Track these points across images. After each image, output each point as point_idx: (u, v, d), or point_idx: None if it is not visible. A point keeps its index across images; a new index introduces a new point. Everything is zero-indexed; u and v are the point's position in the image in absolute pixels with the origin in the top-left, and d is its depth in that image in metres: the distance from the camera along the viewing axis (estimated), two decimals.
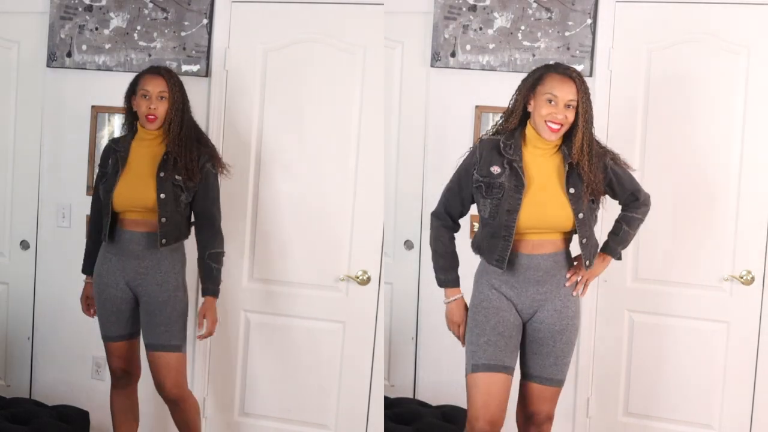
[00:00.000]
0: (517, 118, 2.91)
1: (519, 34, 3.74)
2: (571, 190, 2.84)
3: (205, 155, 3.29)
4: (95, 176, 3.47)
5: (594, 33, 3.66)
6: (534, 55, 3.71)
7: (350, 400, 3.72)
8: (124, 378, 3.43)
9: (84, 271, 3.47)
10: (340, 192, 3.68)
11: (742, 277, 3.53)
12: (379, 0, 3.59)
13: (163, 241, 3.22)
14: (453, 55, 3.85)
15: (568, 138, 2.88)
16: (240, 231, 3.73)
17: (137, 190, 3.23)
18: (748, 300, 3.54)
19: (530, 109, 2.88)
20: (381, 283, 3.67)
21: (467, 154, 2.96)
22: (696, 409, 3.64)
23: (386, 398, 3.75)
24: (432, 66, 3.89)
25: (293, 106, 3.72)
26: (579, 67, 3.65)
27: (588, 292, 3.71)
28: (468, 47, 3.82)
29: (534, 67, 2.96)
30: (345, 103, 3.66)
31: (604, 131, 3.66)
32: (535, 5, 3.72)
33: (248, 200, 3.74)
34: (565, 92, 2.81)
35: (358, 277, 3.66)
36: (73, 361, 3.97)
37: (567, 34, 3.68)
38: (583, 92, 2.83)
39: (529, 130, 2.90)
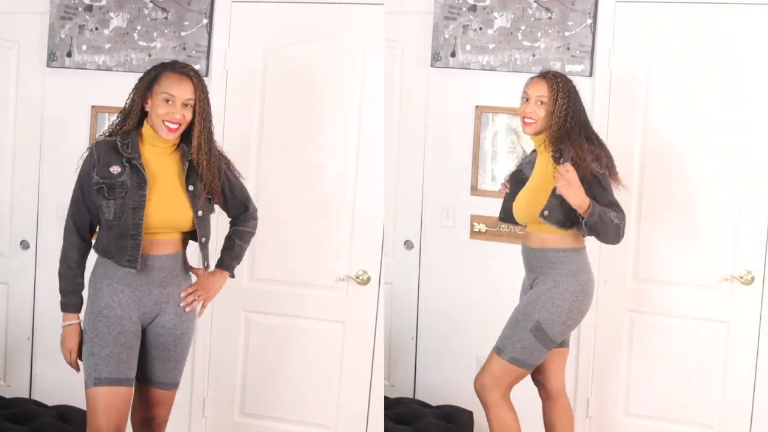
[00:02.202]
0: (136, 118, 2.84)
1: (519, 34, 3.74)
2: (190, 188, 2.85)
3: (593, 154, 3.02)
4: (81, 184, 2.85)
5: (594, 33, 3.66)
6: (534, 55, 3.71)
7: (350, 400, 3.72)
8: (539, 390, 3.24)
9: (69, 308, 2.95)
10: (340, 192, 3.68)
11: (742, 277, 3.53)
12: (379, 0, 3.59)
13: (206, 264, 2.92)
14: (453, 55, 3.85)
15: (186, 136, 2.86)
16: None
17: (172, 209, 2.82)
18: (748, 300, 3.54)
19: (147, 108, 2.82)
20: (381, 283, 3.67)
21: (83, 159, 2.83)
22: (696, 409, 3.64)
23: (386, 398, 3.75)
24: (432, 66, 3.90)
25: (293, 106, 3.72)
26: (579, 67, 3.66)
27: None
28: (468, 47, 3.82)
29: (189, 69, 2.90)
30: (345, 103, 3.66)
31: (604, 131, 3.67)
32: (535, 5, 3.72)
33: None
34: (182, 91, 2.80)
35: (358, 277, 3.66)
36: None
37: (567, 34, 3.68)
38: (201, 90, 2.85)
39: (146, 129, 2.84)
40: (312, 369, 3.76)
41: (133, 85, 2.88)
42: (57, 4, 3.92)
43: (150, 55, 3.83)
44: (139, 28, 3.85)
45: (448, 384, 3.91)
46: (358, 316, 3.69)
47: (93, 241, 2.94)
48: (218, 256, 3.05)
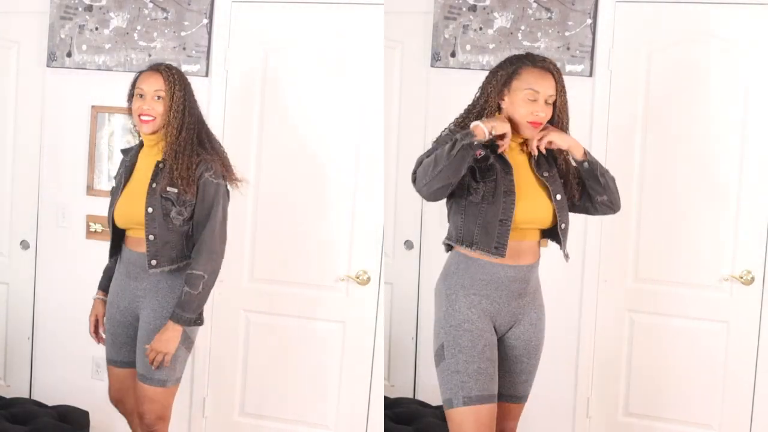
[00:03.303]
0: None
1: (519, 34, 3.74)
2: (153, 185, 2.87)
3: (205, 163, 2.87)
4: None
5: (594, 33, 3.66)
6: None
7: (350, 400, 3.72)
8: (123, 412, 3.11)
9: (99, 286, 3.15)
10: (340, 192, 3.68)
11: (742, 277, 3.53)
12: (379, 0, 3.59)
13: (152, 262, 2.84)
14: (453, 55, 3.85)
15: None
16: (240, 231, 3.73)
17: (131, 205, 2.89)
18: (748, 300, 3.54)
19: (502, 102, 2.66)
20: (381, 283, 3.67)
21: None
22: (696, 409, 3.64)
23: (386, 398, 3.75)
24: (432, 66, 3.90)
25: (293, 106, 3.72)
26: (579, 68, 3.66)
27: (588, 292, 3.74)
28: (468, 47, 3.82)
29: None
30: (345, 102, 3.66)
31: (604, 132, 3.67)
32: (535, 5, 3.72)
33: (248, 200, 3.74)
34: (150, 84, 2.88)
35: (358, 277, 3.66)
36: (73, 361, 3.97)
37: (567, 34, 3.68)
38: (172, 84, 2.88)
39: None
40: (312, 369, 3.76)
41: (129, 85, 2.98)
42: (57, 4, 3.92)
43: (150, 55, 3.82)
44: (139, 28, 3.85)
45: None
46: (358, 316, 3.69)
47: None
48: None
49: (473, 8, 3.80)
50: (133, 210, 2.89)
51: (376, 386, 3.68)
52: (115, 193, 2.99)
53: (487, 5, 3.78)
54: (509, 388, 2.75)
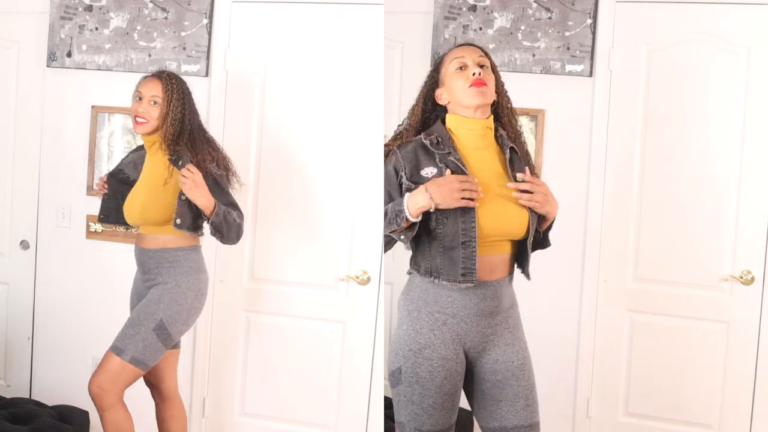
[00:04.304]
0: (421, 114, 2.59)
1: (519, 34, 3.74)
2: (164, 184, 2.99)
3: (210, 156, 3.03)
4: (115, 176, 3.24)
5: (594, 33, 3.66)
6: (534, 55, 3.71)
7: (350, 400, 3.72)
8: (151, 391, 3.29)
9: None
10: (340, 192, 3.68)
11: (742, 277, 3.53)
12: (379, 0, 3.59)
13: (178, 221, 2.95)
14: None
15: (496, 120, 2.56)
16: None
17: (147, 204, 3.05)
18: (748, 300, 3.54)
19: (441, 99, 2.53)
20: (381, 283, 3.67)
21: (386, 164, 2.49)
22: (696, 409, 3.64)
23: (386, 398, 3.75)
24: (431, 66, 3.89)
25: (293, 106, 3.72)
26: (579, 68, 3.66)
27: (588, 292, 3.74)
28: None
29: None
30: (345, 102, 3.66)
31: (604, 132, 3.67)
32: (535, 5, 3.72)
33: (248, 200, 3.74)
34: (148, 88, 3.02)
35: (358, 277, 3.66)
36: (73, 361, 3.97)
37: (567, 34, 3.68)
38: (170, 89, 3.03)
39: (450, 119, 2.52)
40: (312, 369, 3.76)
41: (132, 85, 3.09)
42: (57, 4, 3.92)
43: (150, 55, 3.83)
44: (139, 28, 3.85)
45: None
46: (358, 316, 3.69)
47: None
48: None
49: (473, 8, 3.80)
50: (150, 209, 3.02)
51: (376, 386, 3.68)
52: (117, 185, 3.18)
53: (487, 5, 3.78)
54: (511, 418, 2.44)
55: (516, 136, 2.57)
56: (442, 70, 2.53)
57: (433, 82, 2.56)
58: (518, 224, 2.41)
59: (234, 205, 3.04)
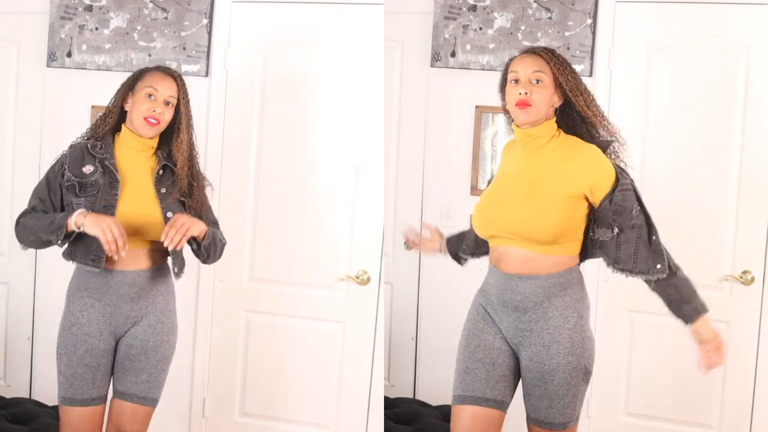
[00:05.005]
0: (114, 119, 2.74)
1: (519, 34, 3.74)
2: (162, 190, 2.71)
3: (203, 179, 2.87)
4: (48, 179, 2.75)
5: (594, 33, 3.66)
6: None
7: (350, 400, 3.72)
8: None
9: (68, 217, 2.62)
10: (341, 192, 3.68)
11: (742, 277, 3.53)
12: (379, 0, 3.59)
13: (176, 270, 2.75)
14: (453, 55, 3.85)
15: (166, 142, 2.76)
16: (240, 231, 3.73)
17: (141, 209, 2.69)
18: (748, 300, 3.54)
19: (127, 107, 2.72)
20: (381, 283, 3.67)
21: (56, 160, 2.74)
22: (696, 409, 3.64)
23: (386, 398, 3.75)
24: (432, 66, 3.90)
25: (293, 106, 3.72)
26: (579, 68, 3.66)
27: (588, 292, 3.73)
28: (468, 47, 3.82)
29: None
30: (345, 102, 3.66)
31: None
32: (535, 5, 3.72)
33: (248, 200, 3.74)
34: (165, 87, 2.69)
35: (358, 277, 3.66)
36: None
37: (567, 34, 3.68)
38: (184, 93, 2.74)
39: (123, 132, 2.74)
40: (312, 369, 3.76)
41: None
42: (57, 4, 3.92)
43: (150, 55, 3.83)
44: (139, 28, 3.85)
45: (448, 384, 3.89)
46: (358, 316, 3.69)
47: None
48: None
49: (473, 8, 3.80)
50: (143, 213, 2.69)
51: (376, 386, 3.68)
52: (99, 192, 2.66)
53: (487, 5, 3.78)
54: (533, 410, 2.53)
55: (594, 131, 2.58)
56: (139, 84, 2.73)
57: (130, 88, 2.74)
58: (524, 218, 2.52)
59: (216, 224, 2.88)
